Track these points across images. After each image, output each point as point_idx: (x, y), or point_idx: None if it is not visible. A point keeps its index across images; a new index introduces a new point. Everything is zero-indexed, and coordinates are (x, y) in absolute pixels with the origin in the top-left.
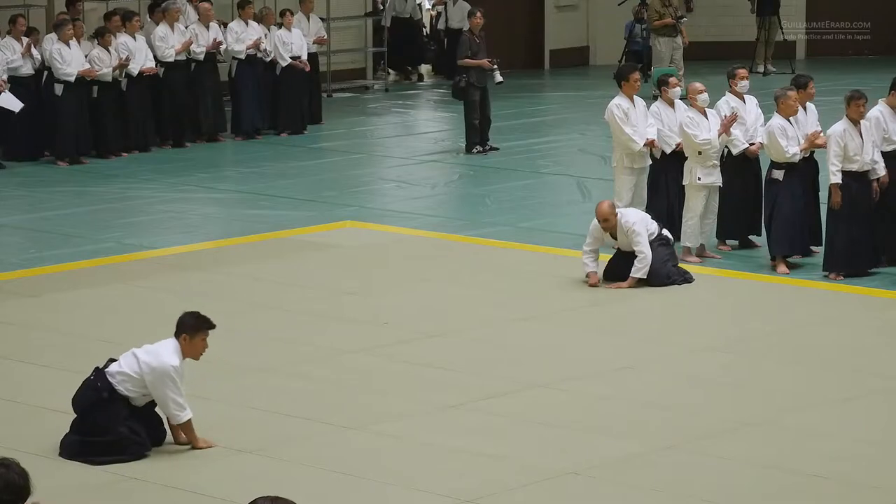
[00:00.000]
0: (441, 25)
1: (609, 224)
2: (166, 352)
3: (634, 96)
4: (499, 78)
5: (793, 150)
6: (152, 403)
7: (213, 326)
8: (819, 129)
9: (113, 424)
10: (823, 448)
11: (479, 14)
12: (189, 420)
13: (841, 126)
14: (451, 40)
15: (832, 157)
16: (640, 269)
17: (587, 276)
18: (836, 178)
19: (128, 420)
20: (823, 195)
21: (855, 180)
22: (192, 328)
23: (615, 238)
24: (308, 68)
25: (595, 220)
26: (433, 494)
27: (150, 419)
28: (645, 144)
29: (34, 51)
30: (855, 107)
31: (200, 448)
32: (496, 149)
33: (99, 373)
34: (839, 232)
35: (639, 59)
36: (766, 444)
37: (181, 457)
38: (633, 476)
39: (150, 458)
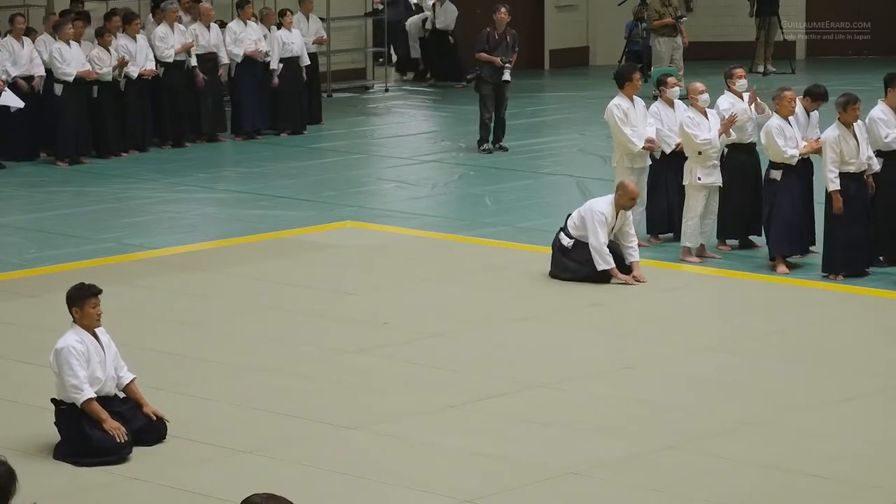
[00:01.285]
0: (428, 25)
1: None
2: (62, 338)
3: (634, 96)
4: (506, 76)
5: (791, 152)
6: (123, 400)
7: (98, 291)
8: (819, 136)
9: (89, 430)
10: (823, 448)
11: (503, 10)
12: (88, 401)
13: (835, 131)
14: (437, 42)
15: (829, 163)
16: (637, 251)
17: (612, 271)
18: (835, 185)
19: (96, 423)
20: (818, 196)
21: (853, 181)
22: (79, 299)
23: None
24: (306, 78)
25: (608, 210)
26: (433, 494)
27: (127, 418)
28: (644, 147)
29: (34, 51)
30: (852, 111)
31: (107, 428)
32: (505, 149)
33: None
34: (838, 233)
35: (639, 59)
36: (766, 444)
37: (181, 457)
38: (633, 476)
39: (150, 459)
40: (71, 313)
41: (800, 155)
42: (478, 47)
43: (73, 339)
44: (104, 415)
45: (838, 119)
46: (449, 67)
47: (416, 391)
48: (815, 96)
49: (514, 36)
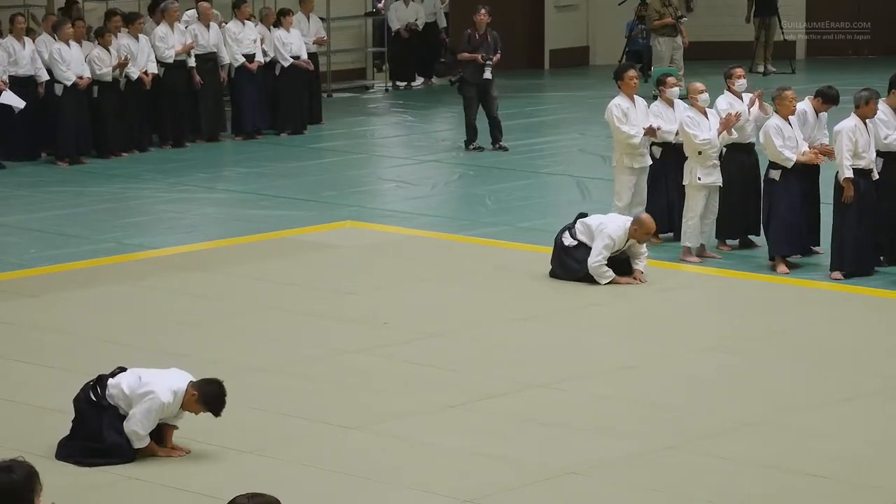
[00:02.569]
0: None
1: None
2: (167, 387)
3: (635, 96)
4: (487, 74)
5: (787, 155)
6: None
7: (218, 415)
8: (827, 138)
9: (106, 431)
10: (823, 448)
11: (482, 11)
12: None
13: (852, 122)
14: (403, 39)
15: (844, 151)
16: (644, 262)
17: (614, 280)
18: (849, 173)
19: (121, 428)
20: (824, 194)
21: (862, 177)
22: (206, 401)
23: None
24: (311, 67)
25: (619, 237)
26: (433, 494)
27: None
28: (645, 134)
29: (34, 52)
30: (873, 105)
31: (159, 456)
32: (505, 149)
33: (101, 381)
34: (848, 230)
35: (639, 59)
36: (766, 444)
37: (181, 457)
38: (633, 476)
39: (150, 459)
40: (188, 391)
41: (797, 160)
42: (459, 48)
43: (170, 398)
44: (155, 447)
45: (855, 111)
46: (402, 67)
47: (416, 391)
48: (828, 98)
49: (495, 37)
